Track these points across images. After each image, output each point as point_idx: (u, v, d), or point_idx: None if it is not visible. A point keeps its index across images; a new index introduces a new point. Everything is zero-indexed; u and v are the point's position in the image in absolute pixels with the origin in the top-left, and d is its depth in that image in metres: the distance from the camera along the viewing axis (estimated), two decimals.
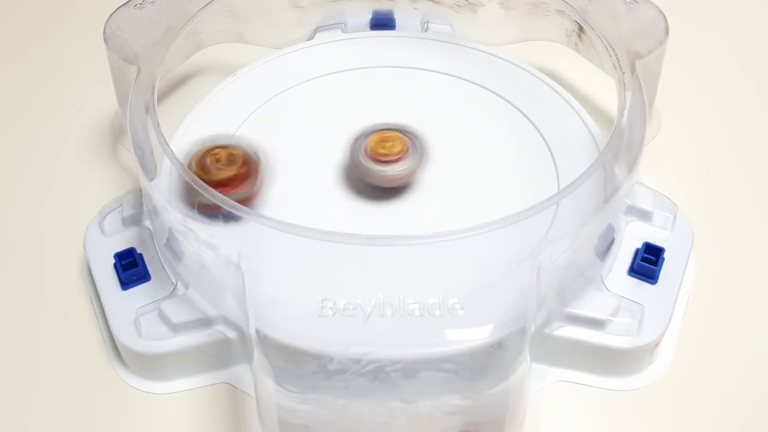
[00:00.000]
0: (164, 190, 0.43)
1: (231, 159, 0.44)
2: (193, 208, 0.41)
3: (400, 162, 0.45)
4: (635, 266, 0.44)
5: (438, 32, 0.54)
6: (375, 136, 0.45)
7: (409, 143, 0.45)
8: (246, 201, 0.44)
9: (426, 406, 0.38)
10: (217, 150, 0.45)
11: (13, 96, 0.57)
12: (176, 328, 0.42)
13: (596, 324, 0.42)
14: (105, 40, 0.47)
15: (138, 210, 0.46)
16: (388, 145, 0.45)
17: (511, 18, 0.53)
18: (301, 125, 0.49)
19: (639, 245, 0.45)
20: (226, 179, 0.44)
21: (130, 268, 0.44)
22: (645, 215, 0.46)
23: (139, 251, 0.45)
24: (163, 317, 0.42)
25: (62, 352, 0.45)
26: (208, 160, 0.44)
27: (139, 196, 0.47)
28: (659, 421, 0.42)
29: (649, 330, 0.42)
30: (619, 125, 0.43)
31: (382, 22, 0.55)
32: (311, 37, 0.54)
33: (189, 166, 0.44)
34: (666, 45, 0.46)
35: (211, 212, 0.41)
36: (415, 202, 0.45)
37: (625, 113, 0.43)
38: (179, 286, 0.43)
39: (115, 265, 0.45)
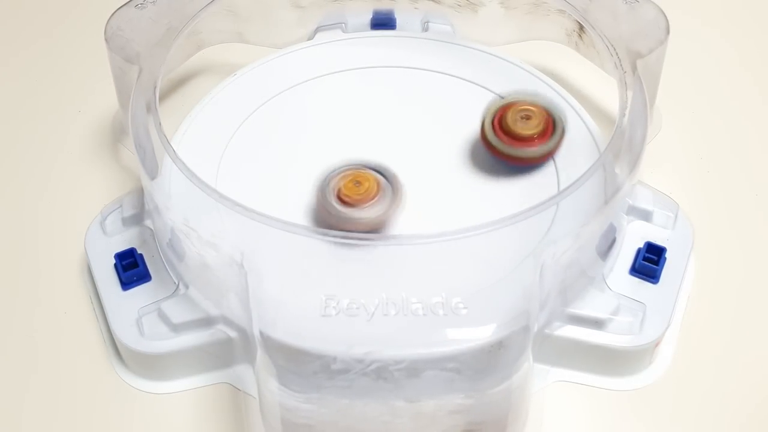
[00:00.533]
0: (166, 189, 0.43)
1: (532, 115, 0.44)
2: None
3: (372, 206, 0.42)
4: (637, 266, 0.44)
5: (438, 32, 0.54)
6: (344, 176, 0.42)
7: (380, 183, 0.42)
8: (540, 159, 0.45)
9: (429, 405, 0.38)
10: (521, 106, 0.44)
11: (14, 96, 0.57)
12: (177, 328, 0.42)
13: (598, 323, 0.42)
14: (106, 40, 0.47)
15: (139, 210, 0.46)
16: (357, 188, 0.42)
17: (512, 18, 0.53)
18: (301, 125, 0.49)
19: (640, 245, 0.45)
20: (529, 136, 0.44)
21: (131, 268, 0.44)
22: (646, 215, 0.46)
23: (139, 251, 0.45)
24: (164, 317, 0.42)
25: (62, 352, 0.45)
26: (510, 117, 0.44)
27: (139, 195, 0.47)
28: (660, 420, 0.43)
29: (650, 329, 0.42)
30: (621, 125, 0.43)
31: (383, 22, 0.55)
32: (311, 37, 0.54)
33: (487, 121, 0.44)
34: (667, 44, 0.46)
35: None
36: (415, 202, 0.45)
37: (626, 113, 0.43)
38: (181, 286, 0.43)
39: (115, 265, 0.45)
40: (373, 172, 0.43)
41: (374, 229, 0.42)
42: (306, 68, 0.52)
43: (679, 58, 0.51)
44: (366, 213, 0.41)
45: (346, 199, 0.42)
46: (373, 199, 0.42)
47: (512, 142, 0.44)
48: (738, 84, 0.57)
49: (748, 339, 0.45)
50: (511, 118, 0.44)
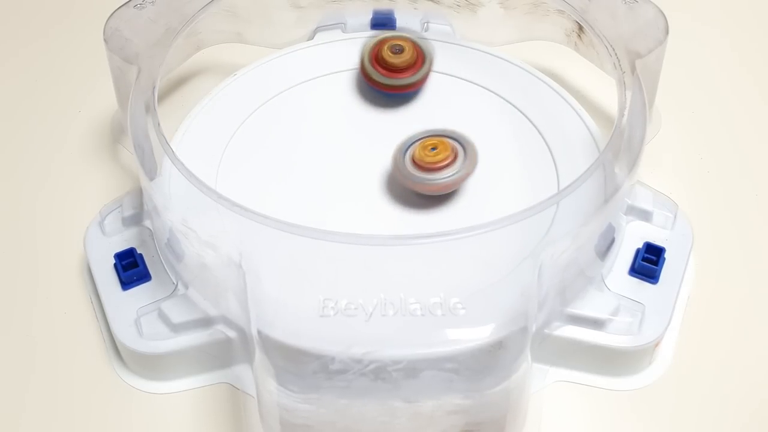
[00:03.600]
0: (165, 189, 0.43)
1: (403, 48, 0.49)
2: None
3: (447, 168, 0.45)
4: (636, 266, 0.44)
5: (438, 32, 0.54)
6: (419, 144, 0.45)
7: (456, 149, 0.45)
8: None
9: (427, 405, 0.38)
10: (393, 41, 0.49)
11: (14, 96, 0.57)
12: (177, 328, 0.42)
13: (597, 323, 0.42)
14: (105, 40, 0.47)
15: (138, 210, 0.46)
16: (433, 153, 0.45)
17: (511, 18, 0.53)
18: (300, 125, 0.49)
19: (639, 245, 0.45)
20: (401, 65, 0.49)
21: (131, 268, 0.44)
22: (645, 215, 0.46)
23: (139, 251, 0.45)
24: (164, 317, 0.42)
25: (62, 352, 0.45)
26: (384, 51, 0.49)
27: (139, 196, 0.47)
28: (659, 421, 0.42)
29: (649, 330, 0.42)
30: (620, 125, 0.43)
31: (382, 22, 0.55)
32: (311, 37, 0.54)
33: (364, 58, 0.49)
34: (666, 44, 0.46)
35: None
36: (414, 199, 0.45)
37: (626, 113, 0.43)
38: (180, 286, 0.43)
39: (115, 265, 0.45)
40: (449, 140, 0.46)
41: (448, 189, 0.45)
42: (306, 68, 0.52)
43: (678, 58, 0.51)
44: (440, 175, 0.44)
45: (422, 164, 0.45)
46: (447, 163, 0.45)
47: (387, 73, 0.49)
48: (738, 84, 0.57)
49: (748, 339, 0.45)
50: (385, 52, 0.49)
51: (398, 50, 0.49)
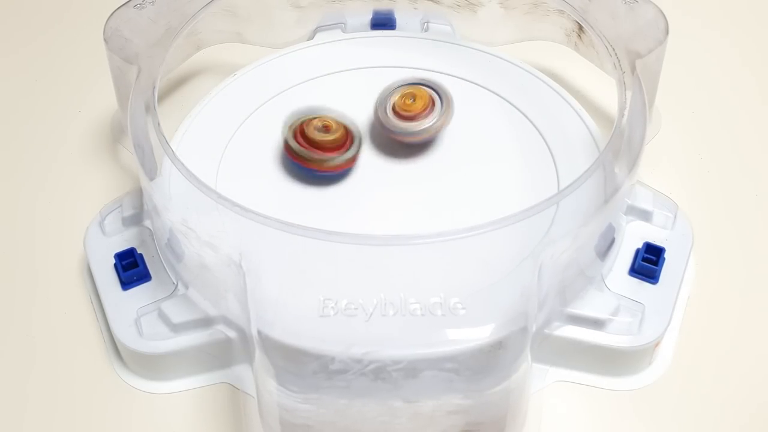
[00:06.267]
0: (165, 189, 0.43)
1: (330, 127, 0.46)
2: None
3: (426, 117, 0.46)
4: (636, 266, 0.44)
5: (438, 32, 0.54)
6: (399, 92, 0.46)
7: (433, 98, 0.46)
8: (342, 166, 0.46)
9: (427, 405, 0.38)
10: (317, 119, 0.46)
11: (14, 96, 0.57)
12: (177, 328, 0.42)
13: (597, 324, 0.42)
14: (105, 40, 0.47)
15: (138, 210, 0.46)
16: (410, 102, 0.46)
17: (511, 18, 0.53)
18: None
19: (639, 245, 0.45)
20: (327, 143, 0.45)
21: (131, 268, 0.44)
22: (645, 215, 0.46)
23: (139, 251, 0.45)
24: (164, 317, 0.42)
25: (62, 352, 0.45)
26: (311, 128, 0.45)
27: (139, 196, 0.47)
28: (659, 421, 0.42)
29: (649, 330, 0.42)
30: (620, 125, 0.43)
31: (382, 22, 0.55)
32: (311, 37, 0.54)
33: (290, 133, 0.46)
34: (666, 44, 0.46)
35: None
36: (414, 199, 0.45)
37: (626, 113, 0.43)
38: (180, 286, 0.43)
39: (115, 265, 0.45)
40: (426, 88, 0.47)
41: (427, 138, 0.47)
42: (306, 68, 0.52)
43: (678, 58, 0.51)
44: (420, 125, 0.46)
45: (403, 113, 0.46)
46: (426, 111, 0.46)
47: (315, 151, 0.45)
48: (738, 84, 0.57)
49: (748, 339, 0.45)
50: (311, 129, 0.45)
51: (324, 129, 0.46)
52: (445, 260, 0.39)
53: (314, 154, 0.45)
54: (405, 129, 0.46)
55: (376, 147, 0.48)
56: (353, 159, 0.46)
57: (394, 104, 0.47)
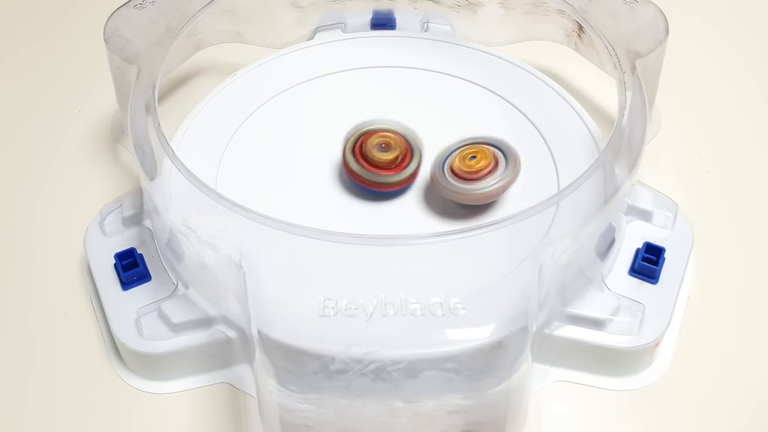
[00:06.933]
0: (165, 189, 0.43)
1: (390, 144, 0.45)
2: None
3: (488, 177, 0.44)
4: (636, 266, 0.44)
5: (438, 32, 0.54)
6: (459, 154, 0.45)
7: (496, 156, 0.44)
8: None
9: (427, 405, 0.38)
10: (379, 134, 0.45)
11: (14, 96, 0.57)
12: (177, 328, 0.42)
13: (597, 323, 0.42)
14: (105, 40, 0.47)
15: (138, 210, 0.46)
16: (472, 162, 0.44)
17: (511, 18, 0.53)
18: (300, 125, 0.49)
19: (639, 245, 0.45)
20: (386, 162, 0.44)
21: (131, 268, 0.44)
22: (645, 215, 0.46)
23: (139, 251, 0.45)
24: (164, 317, 0.42)
25: (62, 352, 0.45)
26: (368, 144, 0.44)
27: (139, 196, 0.47)
28: (659, 421, 0.42)
29: (649, 329, 0.42)
30: (620, 125, 0.43)
31: (382, 22, 0.55)
32: (311, 37, 0.54)
33: (347, 147, 0.45)
34: (666, 44, 0.46)
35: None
36: (413, 201, 0.45)
37: (626, 113, 0.43)
38: (180, 286, 0.43)
39: (115, 265, 0.45)
40: (490, 147, 0.45)
41: (489, 199, 0.44)
42: (305, 68, 0.52)
43: (678, 58, 0.51)
44: (480, 185, 0.44)
45: (461, 173, 0.44)
46: (488, 171, 0.44)
47: (372, 169, 0.44)
48: (738, 84, 0.57)
49: (748, 339, 0.45)
50: (369, 147, 0.45)
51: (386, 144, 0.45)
52: (446, 260, 0.39)
53: (373, 175, 0.44)
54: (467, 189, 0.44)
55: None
56: (413, 176, 0.45)
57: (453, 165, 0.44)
